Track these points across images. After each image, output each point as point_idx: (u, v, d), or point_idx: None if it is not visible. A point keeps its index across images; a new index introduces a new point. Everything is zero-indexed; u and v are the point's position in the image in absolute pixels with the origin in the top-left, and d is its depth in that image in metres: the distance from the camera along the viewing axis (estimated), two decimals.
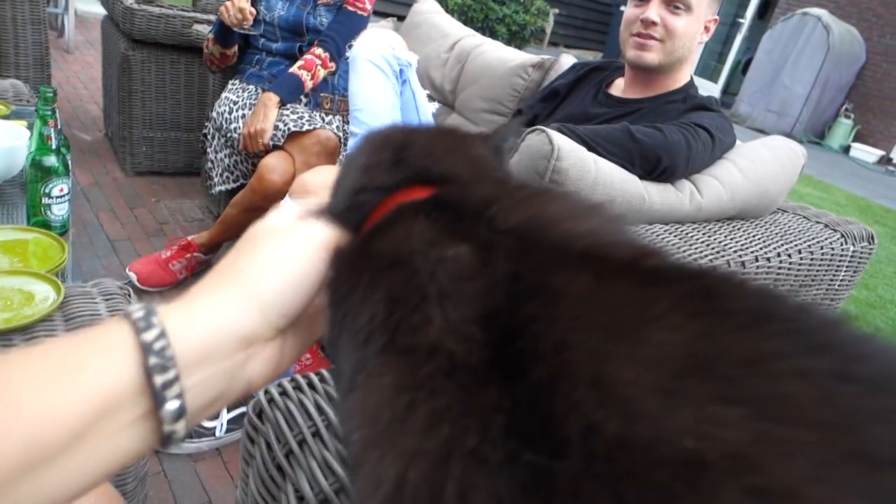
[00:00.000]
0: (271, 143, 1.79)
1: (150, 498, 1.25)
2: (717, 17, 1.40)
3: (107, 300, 1.00)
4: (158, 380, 0.30)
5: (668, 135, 1.19)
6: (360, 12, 1.99)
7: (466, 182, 0.36)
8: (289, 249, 0.37)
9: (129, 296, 1.04)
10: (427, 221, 0.33)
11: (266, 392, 0.55)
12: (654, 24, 1.31)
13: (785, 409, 0.20)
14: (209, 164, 2.07)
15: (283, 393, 0.54)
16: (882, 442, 0.19)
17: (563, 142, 1.09)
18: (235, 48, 2.02)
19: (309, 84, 1.90)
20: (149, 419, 0.30)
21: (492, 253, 0.30)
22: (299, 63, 1.90)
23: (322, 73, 1.93)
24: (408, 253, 0.31)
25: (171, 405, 0.31)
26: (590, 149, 1.13)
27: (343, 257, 0.36)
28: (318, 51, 1.92)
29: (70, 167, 1.18)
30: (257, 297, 0.35)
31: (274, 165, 1.72)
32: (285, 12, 1.96)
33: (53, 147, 1.16)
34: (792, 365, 0.21)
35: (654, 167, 1.18)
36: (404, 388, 0.27)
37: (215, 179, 2.04)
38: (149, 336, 0.30)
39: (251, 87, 1.97)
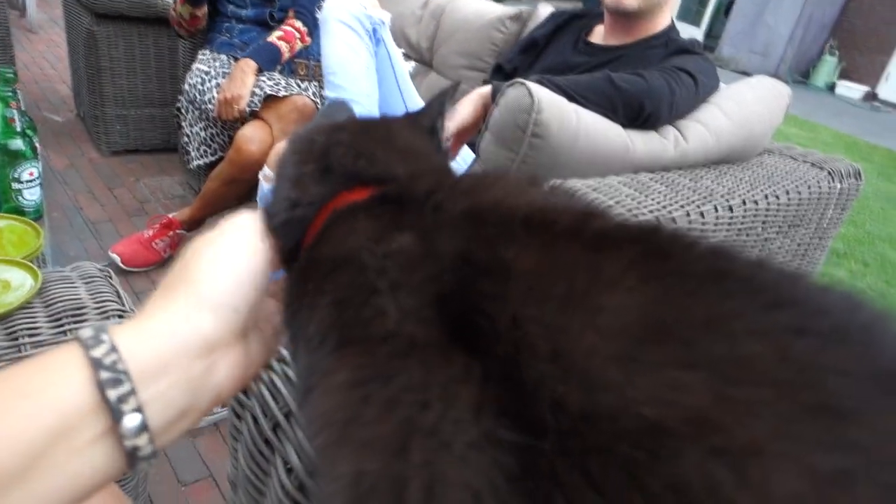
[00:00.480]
0: (248, 108, 1.75)
1: (150, 476, 1.26)
2: None
3: (87, 283, 0.98)
4: (112, 394, 0.29)
5: (650, 80, 1.16)
6: None
7: (402, 177, 0.34)
8: (226, 248, 0.36)
9: (111, 277, 1.02)
10: (368, 219, 0.32)
11: None
12: None
13: (744, 369, 0.20)
14: (185, 139, 2.02)
15: (267, 366, 0.53)
16: (843, 394, 0.19)
17: (543, 94, 1.06)
18: (205, 8, 1.94)
19: (286, 56, 1.87)
20: (110, 436, 0.30)
21: (437, 238, 0.29)
22: (278, 34, 1.86)
23: (299, 46, 1.90)
24: (350, 252, 0.31)
25: (131, 419, 0.30)
26: (571, 99, 1.10)
27: (289, 274, 0.35)
28: (298, 24, 1.90)
29: (38, 150, 1.15)
30: (206, 301, 0.34)
31: (251, 135, 1.68)
32: None
33: (18, 130, 1.12)
34: (750, 323, 0.21)
35: (638, 114, 1.15)
36: (358, 382, 0.26)
37: (192, 154, 1.99)
38: (98, 352, 0.30)
39: (222, 56, 1.92)
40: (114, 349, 0.30)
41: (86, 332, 0.31)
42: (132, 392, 0.30)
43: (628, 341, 0.22)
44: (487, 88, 1.20)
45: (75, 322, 0.88)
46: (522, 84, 1.07)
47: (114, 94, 2.41)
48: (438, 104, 0.41)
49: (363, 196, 0.34)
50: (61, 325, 0.87)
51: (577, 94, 1.12)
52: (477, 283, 0.26)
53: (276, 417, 0.49)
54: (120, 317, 0.92)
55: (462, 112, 1.19)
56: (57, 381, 0.29)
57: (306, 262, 0.34)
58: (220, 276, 0.35)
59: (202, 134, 1.95)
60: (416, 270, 0.28)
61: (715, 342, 0.21)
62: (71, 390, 0.29)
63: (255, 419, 0.50)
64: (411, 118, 0.40)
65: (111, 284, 1.00)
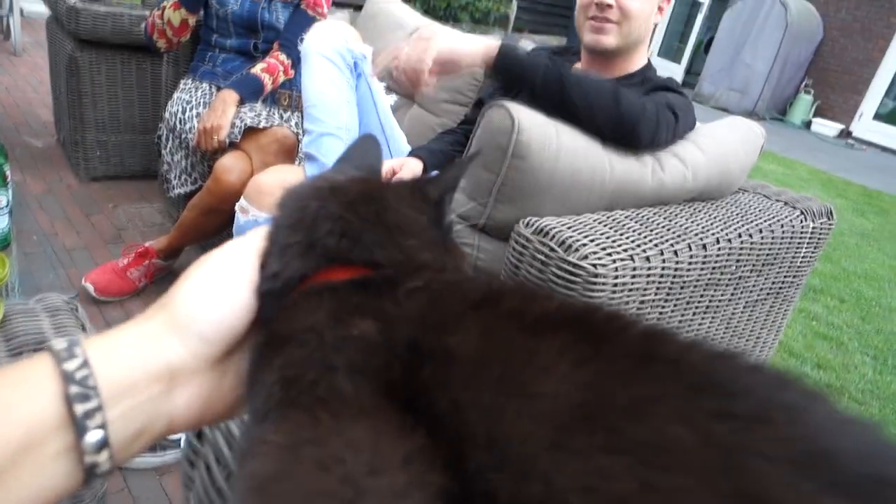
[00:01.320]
0: (227, 140, 1.74)
1: None
2: None
3: (51, 316, 0.96)
4: (79, 409, 0.29)
5: (647, 106, 1.17)
6: (317, 16, 1.97)
7: (383, 264, 0.34)
8: (215, 272, 0.36)
9: (76, 310, 1.00)
10: (333, 301, 0.32)
11: None
12: (609, 6, 1.30)
13: (667, 454, 0.20)
14: (165, 167, 2.01)
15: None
16: (763, 480, 0.19)
17: (523, 115, 1.07)
18: (194, 21, 1.91)
19: (269, 88, 1.88)
20: (73, 451, 0.30)
21: (395, 327, 0.29)
22: (262, 65, 1.87)
23: (283, 78, 1.92)
24: (307, 331, 0.31)
25: (93, 435, 0.30)
26: (568, 88, 1.11)
27: (253, 347, 0.35)
28: (282, 56, 1.91)
29: (9, 177, 1.13)
30: (175, 325, 0.34)
31: (230, 166, 1.68)
32: (239, 7, 1.91)
33: None
34: (674, 408, 0.21)
35: (623, 134, 1.15)
36: (294, 443, 0.26)
37: (173, 182, 1.98)
38: (71, 365, 0.30)
39: (204, 85, 1.92)
40: (86, 364, 0.30)
41: (59, 343, 0.31)
42: (99, 408, 0.30)
43: (559, 428, 0.22)
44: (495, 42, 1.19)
45: None
46: (502, 106, 1.08)
47: (94, 119, 2.40)
48: (453, 177, 0.40)
49: (341, 277, 0.34)
50: (21, 359, 0.85)
51: (580, 87, 1.12)
52: (421, 369, 0.27)
53: (231, 466, 0.47)
54: None
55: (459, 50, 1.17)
56: (28, 392, 0.29)
57: (264, 337, 0.34)
58: (198, 302, 0.35)
59: (182, 163, 1.94)
60: (371, 357, 0.29)
61: (639, 427, 0.21)
62: (40, 404, 0.29)
63: (208, 467, 0.48)
64: (419, 187, 0.39)
65: (76, 317, 0.98)
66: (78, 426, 0.29)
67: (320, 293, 0.33)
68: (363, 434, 0.25)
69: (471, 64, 1.17)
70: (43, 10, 2.52)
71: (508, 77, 1.22)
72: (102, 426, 0.30)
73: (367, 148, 0.47)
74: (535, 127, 1.07)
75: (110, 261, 1.89)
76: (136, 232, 2.24)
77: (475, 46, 1.17)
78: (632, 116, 1.14)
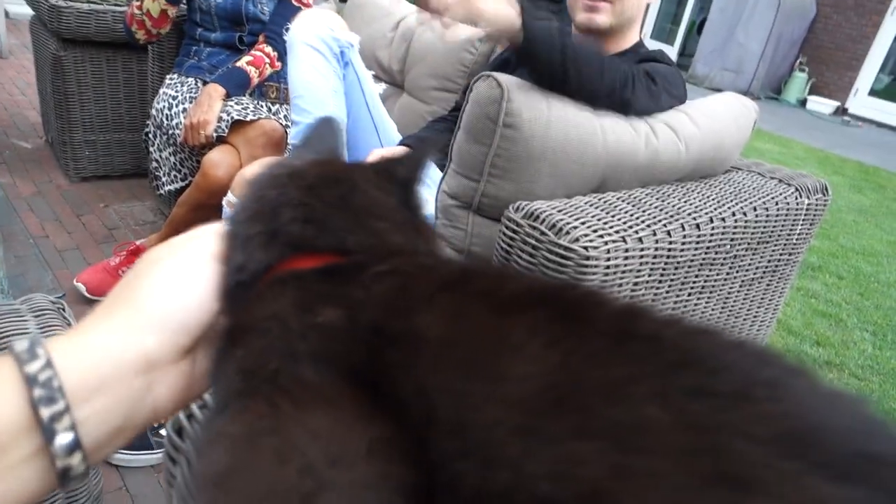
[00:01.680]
0: (215, 134, 1.73)
1: None
2: None
3: (37, 317, 0.94)
4: (45, 412, 0.28)
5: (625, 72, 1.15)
6: (302, 6, 1.94)
7: (351, 249, 0.33)
8: (177, 265, 0.35)
9: (63, 310, 0.99)
10: (299, 290, 0.31)
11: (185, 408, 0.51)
12: None
13: (642, 436, 0.19)
14: (154, 164, 2.00)
15: (204, 407, 0.50)
16: (742, 460, 0.18)
17: (511, 83, 1.05)
18: (174, 12, 1.87)
19: (255, 81, 1.86)
20: (42, 455, 0.29)
21: (361, 311, 0.28)
22: (248, 58, 1.85)
23: (269, 71, 1.89)
24: (271, 320, 0.29)
25: (63, 438, 0.29)
26: (567, 73, 1.08)
27: (216, 339, 0.34)
28: (268, 49, 1.89)
29: None
30: (148, 317, 0.33)
31: (218, 160, 1.66)
32: (223, 1, 1.88)
33: None
34: (649, 387, 0.20)
35: (611, 105, 1.15)
36: (253, 433, 0.25)
37: (163, 179, 1.96)
38: (33, 367, 0.29)
39: (190, 80, 1.90)
40: (49, 364, 0.29)
41: (21, 344, 0.30)
42: (66, 410, 0.29)
43: (529, 412, 0.21)
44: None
45: None
46: (489, 76, 1.07)
47: (82, 119, 2.38)
48: (419, 156, 0.38)
49: (308, 265, 0.32)
50: None
51: (576, 67, 1.09)
52: (385, 352, 0.26)
53: None
54: None
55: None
56: None
57: (226, 328, 0.33)
58: (168, 295, 0.34)
59: (171, 159, 1.93)
60: (335, 344, 0.28)
61: (613, 409, 0.20)
62: (3, 409, 0.28)
63: (189, 463, 0.47)
64: (386, 168, 0.37)
65: (63, 318, 0.97)
66: (45, 430, 0.28)
67: (284, 282, 0.32)
68: (324, 422, 0.24)
69: (493, 25, 1.05)
70: (28, 10, 2.49)
71: (520, 53, 1.15)
72: (72, 428, 0.29)
73: (324, 132, 0.45)
74: (524, 94, 1.05)
75: (103, 260, 1.88)
76: (128, 230, 2.22)
77: (508, 15, 1.05)
78: (613, 85, 1.14)
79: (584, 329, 0.23)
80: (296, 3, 1.93)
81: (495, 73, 1.06)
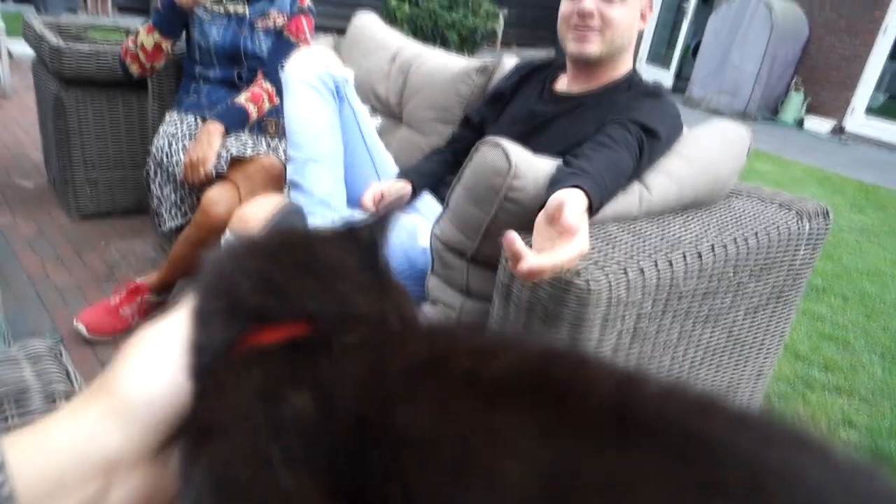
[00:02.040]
0: (214, 171, 1.73)
1: None
2: (652, 5, 1.38)
3: (33, 363, 0.93)
4: None
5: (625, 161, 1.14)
6: (300, 43, 1.98)
7: (317, 316, 0.31)
8: (158, 355, 0.32)
9: (60, 355, 0.98)
10: (262, 371, 0.28)
11: None
12: (590, 15, 1.29)
13: None
14: (156, 202, 2.00)
15: None
16: None
17: (520, 159, 1.05)
18: (169, 46, 1.89)
19: (254, 117, 1.88)
20: None
21: (334, 397, 0.26)
22: (246, 95, 1.87)
23: (267, 106, 1.92)
24: (234, 417, 0.27)
25: None
26: (608, 192, 1.05)
27: (182, 436, 0.31)
28: (266, 85, 1.92)
29: None
30: (114, 409, 0.30)
31: (218, 197, 1.66)
32: (220, 38, 1.91)
33: None
34: (657, 484, 0.18)
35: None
36: None
37: (165, 216, 1.96)
38: None
39: (189, 117, 1.91)
40: (2, 468, 0.27)
41: None
42: None
43: None
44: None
45: (18, 407, 0.83)
46: (498, 145, 1.06)
47: (83, 157, 2.39)
48: (383, 218, 0.37)
49: (272, 338, 0.30)
50: (2, 411, 0.82)
51: (603, 177, 1.05)
52: (370, 454, 0.24)
53: None
54: (67, 399, 0.87)
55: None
56: None
57: (188, 426, 0.30)
58: (141, 385, 0.31)
59: (172, 196, 1.93)
60: (311, 443, 0.25)
61: None
62: None
63: None
64: (348, 231, 0.36)
65: (61, 363, 0.96)
66: None
67: (247, 363, 0.29)
68: None
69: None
70: (31, 51, 2.53)
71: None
72: None
73: (290, 218, 0.44)
74: (530, 172, 1.05)
75: (102, 299, 1.87)
76: (130, 268, 2.22)
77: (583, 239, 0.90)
78: (631, 176, 1.15)
79: (577, 417, 0.22)
80: (293, 40, 1.96)
81: (505, 144, 1.05)
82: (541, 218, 0.89)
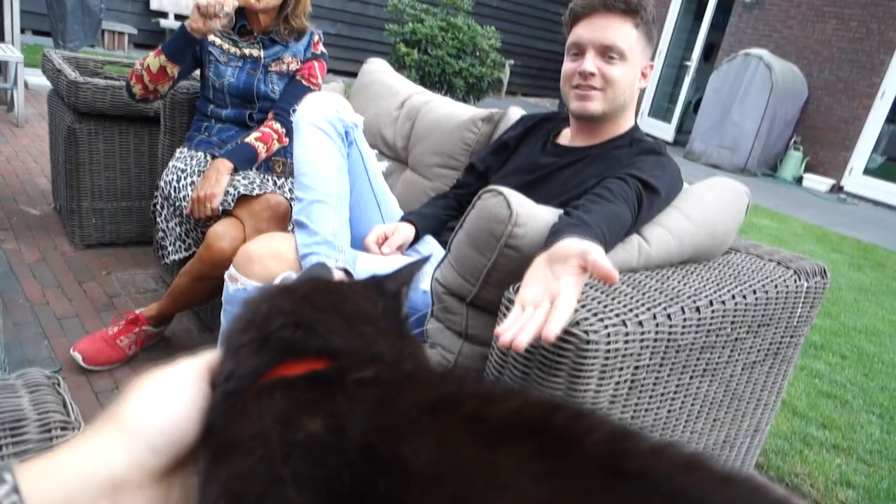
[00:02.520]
0: (221, 207, 1.76)
1: None
2: (653, 63, 1.43)
3: (31, 392, 0.93)
4: None
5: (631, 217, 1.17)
6: (311, 87, 2.03)
7: (341, 352, 0.33)
8: (164, 385, 0.35)
9: (58, 385, 0.98)
10: (284, 400, 0.31)
11: None
12: (592, 74, 1.33)
13: None
14: (160, 234, 2.02)
15: None
16: None
17: (521, 207, 1.07)
18: (177, 72, 1.88)
19: (263, 156, 1.92)
20: None
21: (346, 426, 0.28)
22: (256, 135, 1.91)
23: (276, 146, 1.96)
24: (255, 436, 0.29)
25: None
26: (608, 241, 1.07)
27: (203, 457, 0.33)
28: (276, 125, 1.96)
29: None
30: (121, 435, 0.32)
31: (222, 233, 1.68)
32: (235, 79, 1.96)
33: None
34: None
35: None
36: None
37: (168, 249, 1.98)
38: None
39: (199, 153, 1.95)
40: (16, 490, 0.29)
41: None
42: None
43: None
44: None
45: (13, 436, 0.83)
46: (500, 193, 1.09)
47: (91, 187, 2.43)
48: (408, 271, 0.40)
49: (296, 371, 0.32)
50: None
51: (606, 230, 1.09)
52: (376, 482, 0.25)
53: None
54: (63, 429, 0.87)
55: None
56: None
57: (212, 445, 0.32)
58: (148, 414, 0.33)
59: (177, 230, 1.95)
60: (320, 464, 0.27)
61: None
62: None
63: None
64: (375, 282, 0.39)
65: (58, 393, 0.96)
66: None
67: (272, 391, 0.31)
68: None
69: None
70: (47, 82, 2.59)
71: None
72: None
73: (319, 272, 0.47)
74: (531, 220, 1.07)
75: (101, 329, 1.87)
76: (129, 299, 2.23)
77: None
78: (630, 228, 1.18)
79: (572, 465, 0.23)
80: (305, 83, 2.01)
81: (507, 192, 1.08)
82: (543, 257, 0.94)
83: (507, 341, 0.80)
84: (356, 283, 0.38)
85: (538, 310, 0.84)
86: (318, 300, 0.35)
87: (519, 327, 0.81)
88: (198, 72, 2.04)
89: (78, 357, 1.75)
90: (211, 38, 1.94)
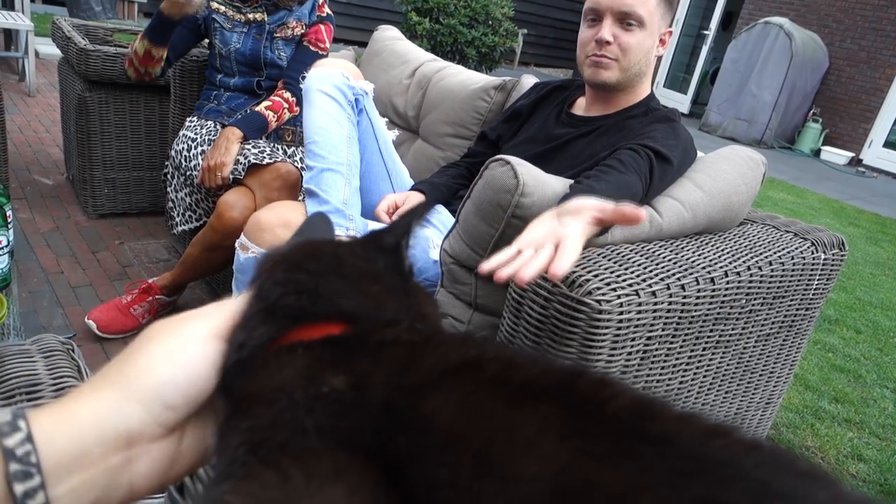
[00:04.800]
0: (231, 176, 1.75)
1: None
2: (672, 29, 1.39)
3: (46, 357, 0.94)
4: (19, 488, 0.28)
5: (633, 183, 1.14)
6: (319, 51, 2.00)
7: (353, 314, 0.33)
8: (176, 340, 0.35)
9: (73, 351, 0.98)
10: (305, 357, 0.31)
11: None
12: (608, 43, 1.30)
13: None
14: (170, 204, 2.02)
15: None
16: None
17: (528, 176, 1.06)
18: (164, 53, 1.90)
19: (273, 125, 1.91)
20: None
21: (369, 384, 0.28)
22: (266, 103, 1.90)
23: (287, 115, 1.94)
24: (278, 390, 0.29)
25: None
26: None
27: (224, 405, 0.34)
28: (287, 94, 1.94)
29: (10, 217, 1.13)
30: (137, 391, 0.32)
31: (233, 202, 1.68)
32: (241, 45, 1.93)
33: None
34: (659, 496, 0.19)
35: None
36: (264, 501, 0.24)
37: (177, 219, 1.99)
38: (12, 441, 0.28)
39: (209, 122, 1.94)
40: (29, 438, 0.29)
41: (3, 415, 0.29)
42: (40, 487, 0.28)
43: None
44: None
45: (29, 399, 0.84)
46: (507, 162, 1.07)
47: (103, 157, 2.43)
48: (406, 223, 0.39)
49: (314, 335, 0.32)
50: (14, 403, 0.83)
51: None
52: (397, 437, 0.25)
53: None
54: None
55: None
56: None
57: (233, 399, 0.32)
58: (162, 369, 0.33)
59: (187, 199, 1.95)
60: (343, 418, 0.27)
61: None
62: None
63: None
64: (371, 238, 0.38)
65: (73, 359, 0.96)
66: None
67: (292, 349, 0.31)
68: (338, 497, 0.23)
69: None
70: (57, 51, 2.57)
71: None
72: None
73: (317, 224, 0.46)
74: (538, 189, 1.06)
75: (115, 298, 1.89)
76: (142, 268, 2.24)
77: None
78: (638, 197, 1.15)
79: (595, 427, 0.22)
80: (312, 49, 1.98)
81: (515, 161, 1.06)
82: (552, 211, 0.91)
83: (502, 276, 0.75)
84: (350, 242, 0.38)
85: (542, 250, 0.80)
86: (312, 266, 0.35)
87: (520, 264, 0.77)
88: (207, 41, 2.02)
89: (92, 325, 1.77)
90: (214, 5, 1.92)
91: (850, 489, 0.19)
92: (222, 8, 1.93)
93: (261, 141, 1.86)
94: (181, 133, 1.94)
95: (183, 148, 1.89)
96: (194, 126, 1.94)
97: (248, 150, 1.79)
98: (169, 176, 2.00)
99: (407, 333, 0.31)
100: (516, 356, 0.28)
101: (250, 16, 1.94)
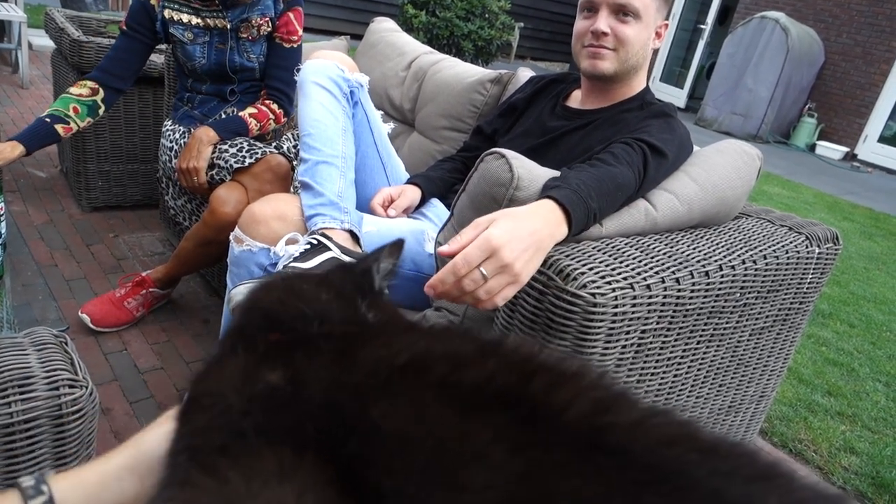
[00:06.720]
0: (218, 178, 1.73)
1: None
2: (668, 22, 1.38)
3: (39, 350, 0.94)
4: None
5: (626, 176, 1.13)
6: (292, 45, 1.88)
7: (304, 319, 0.35)
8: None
9: (66, 344, 0.98)
10: (245, 357, 0.31)
11: None
12: (604, 34, 1.29)
13: None
14: (172, 212, 2.01)
15: None
16: None
17: (523, 170, 1.05)
18: (96, 98, 1.85)
19: (254, 133, 1.82)
20: None
21: (305, 375, 0.28)
22: (251, 111, 1.81)
23: (272, 126, 1.87)
24: (213, 394, 0.30)
25: None
26: (592, 215, 1.03)
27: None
28: (274, 106, 1.86)
29: (2, 209, 1.12)
30: (138, 466, 0.38)
31: (226, 197, 1.66)
32: (206, 60, 1.83)
33: None
34: None
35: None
36: None
37: (185, 224, 1.95)
38: (36, 503, 0.33)
39: (182, 128, 1.89)
40: (51, 501, 0.34)
41: (27, 480, 0.34)
42: None
43: None
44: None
45: (22, 393, 0.84)
46: (503, 156, 1.06)
47: (97, 149, 2.41)
48: (377, 251, 0.43)
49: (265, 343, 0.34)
50: (6, 396, 0.83)
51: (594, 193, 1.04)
52: (347, 442, 0.25)
53: None
54: (71, 387, 0.88)
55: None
56: None
57: (184, 404, 0.33)
58: (158, 445, 0.38)
59: (188, 206, 1.92)
60: (282, 413, 0.27)
61: None
62: None
63: None
64: (341, 267, 0.41)
65: (66, 352, 0.96)
66: None
67: (233, 350, 0.33)
68: (288, 497, 0.23)
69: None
70: (50, 43, 2.55)
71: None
72: None
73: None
74: (533, 183, 1.05)
75: (108, 291, 1.88)
76: (136, 261, 2.23)
77: (547, 225, 0.94)
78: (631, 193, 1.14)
79: (549, 436, 0.22)
80: (287, 46, 1.86)
81: (510, 155, 1.05)
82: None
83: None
84: (309, 274, 0.41)
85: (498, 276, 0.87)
86: (286, 291, 0.37)
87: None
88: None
89: (86, 319, 1.76)
90: (169, 14, 1.78)
91: (805, 484, 0.19)
92: (178, 16, 1.79)
93: (237, 139, 1.78)
94: (161, 142, 1.91)
95: (165, 159, 1.88)
96: (168, 132, 1.89)
97: (227, 151, 1.73)
98: (163, 185, 1.98)
99: (342, 327, 0.31)
100: (465, 349, 0.28)
101: (210, 21, 1.80)
